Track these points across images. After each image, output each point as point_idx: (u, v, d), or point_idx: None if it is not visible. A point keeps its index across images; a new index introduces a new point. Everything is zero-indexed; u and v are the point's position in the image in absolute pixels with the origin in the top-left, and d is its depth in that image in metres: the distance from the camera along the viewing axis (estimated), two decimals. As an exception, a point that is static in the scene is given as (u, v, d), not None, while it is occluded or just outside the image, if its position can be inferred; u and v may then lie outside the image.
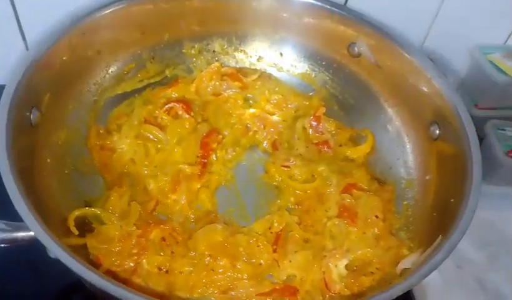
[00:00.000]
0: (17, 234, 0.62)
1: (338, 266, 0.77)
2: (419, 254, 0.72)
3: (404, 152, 0.92)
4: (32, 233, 0.61)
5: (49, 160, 0.80)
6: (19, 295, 0.77)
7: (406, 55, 0.90)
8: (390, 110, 0.96)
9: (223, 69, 1.03)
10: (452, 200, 0.73)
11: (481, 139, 0.98)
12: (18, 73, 0.74)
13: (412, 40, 1.04)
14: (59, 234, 0.71)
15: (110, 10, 0.89)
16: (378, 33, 0.93)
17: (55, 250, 0.58)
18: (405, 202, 0.87)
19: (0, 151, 0.65)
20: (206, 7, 0.99)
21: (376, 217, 0.83)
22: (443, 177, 0.82)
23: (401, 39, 0.91)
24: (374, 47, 0.95)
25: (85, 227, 0.78)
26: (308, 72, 1.05)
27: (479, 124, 0.97)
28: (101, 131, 0.90)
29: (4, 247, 0.63)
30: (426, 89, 0.87)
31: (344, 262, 0.78)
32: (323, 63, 1.03)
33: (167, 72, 1.02)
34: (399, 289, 0.58)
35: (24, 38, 1.00)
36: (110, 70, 0.95)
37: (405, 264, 0.73)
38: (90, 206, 0.81)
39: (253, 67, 1.07)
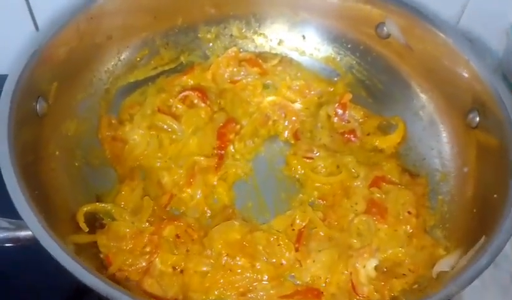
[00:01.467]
0: (19, 233, 0.58)
1: (366, 267, 0.71)
2: (458, 255, 0.65)
3: (439, 141, 0.85)
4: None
5: (57, 153, 0.76)
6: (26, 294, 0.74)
7: (441, 35, 0.82)
8: (423, 96, 0.88)
9: (241, 54, 0.98)
10: (495, 195, 0.65)
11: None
12: (22, 61, 0.70)
13: (446, 19, 0.95)
14: (67, 231, 0.69)
15: (120, -7, 0.84)
16: (409, 12, 0.85)
17: (55, 251, 0.54)
18: (440, 197, 0.80)
19: (1, 145, 0.60)
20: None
21: (409, 213, 0.76)
22: (483, 170, 0.74)
23: (434, 18, 0.83)
24: (404, 28, 0.87)
25: (97, 222, 0.75)
26: (332, 55, 0.98)
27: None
28: (113, 121, 0.86)
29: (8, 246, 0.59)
30: (463, 73, 0.79)
31: (373, 262, 0.72)
32: (349, 46, 0.96)
33: (182, 59, 0.97)
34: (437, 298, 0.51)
35: (35, 23, 0.96)
36: (121, 57, 0.90)
37: (442, 266, 0.66)
38: (101, 200, 0.77)
39: (273, 51, 1.01)
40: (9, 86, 0.66)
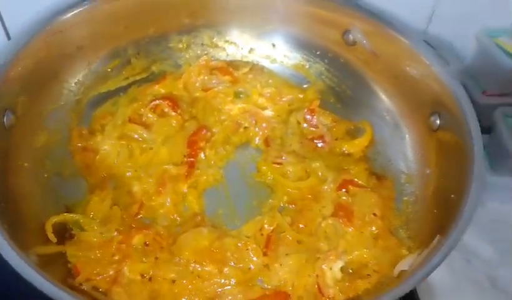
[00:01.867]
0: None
1: (332, 269, 0.72)
2: (417, 255, 0.66)
3: (403, 144, 0.87)
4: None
5: (26, 164, 0.77)
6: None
7: (404, 40, 0.84)
8: (388, 101, 0.90)
9: (212, 63, 0.99)
10: (453, 196, 0.67)
11: (490, 127, 0.92)
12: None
13: (412, 25, 0.98)
14: (36, 241, 0.69)
15: (91, 3, 0.85)
16: (373, 19, 0.88)
17: (16, 263, 0.54)
18: (405, 198, 0.82)
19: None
20: (192, -2, 0.94)
21: (374, 215, 0.78)
22: (443, 171, 0.76)
23: (397, 24, 0.86)
24: (369, 34, 0.89)
25: (66, 233, 0.75)
26: (302, 62, 1.00)
27: (488, 111, 0.92)
28: (84, 132, 0.87)
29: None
30: (425, 77, 0.81)
31: (340, 264, 0.73)
32: (318, 53, 0.98)
33: (154, 68, 0.98)
34: (390, 296, 0.53)
35: (7, 33, 0.96)
36: (92, 68, 0.91)
37: (403, 265, 0.68)
38: (71, 211, 0.77)
39: (244, 59, 1.02)
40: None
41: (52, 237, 0.71)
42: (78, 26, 0.85)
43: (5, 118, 0.72)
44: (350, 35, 0.91)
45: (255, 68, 1.00)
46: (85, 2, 0.85)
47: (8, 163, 0.72)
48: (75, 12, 0.84)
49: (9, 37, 0.93)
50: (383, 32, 0.87)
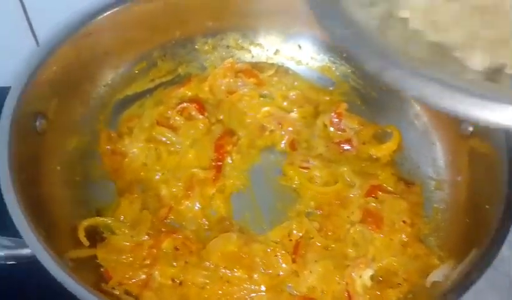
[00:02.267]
0: (21, 250, 0.60)
1: (362, 277, 0.72)
2: (451, 266, 0.66)
3: (433, 150, 0.86)
4: (32, 250, 0.58)
5: (58, 168, 0.78)
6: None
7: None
8: (417, 104, 0.89)
9: (237, 65, 0.98)
10: (487, 206, 0.66)
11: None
12: (21, 80, 0.71)
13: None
14: (67, 245, 0.70)
15: (118, 8, 0.85)
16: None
17: (53, 269, 0.55)
18: (435, 205, 0.81)
19: (1, 165, 0.62)
20: (219, 1, 0.94)
21: (404, 222, 0.77)
22: (476, 179, 0.75)
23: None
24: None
25: (97, 236, 0.76)
26: (328, 64, 0.99)
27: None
28: (112, 135, 0.87)
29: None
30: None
31: (369, 272, 0.72)
32: (344, 55, 0.97)
33: (180, 70, 0.98)
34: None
35: (35, 37, 0.97)
36: (120, 71, 0.92)
37: (436, 276, 0.67)
38: (101, 214, 0.78)
39: (270, 61, 1.01)
40: (8, 107, 0.67)
41: (85, 241, 0.73)
42: (106, 30, 0.86)
43: (37, 123, 0.73)
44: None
45: (280, 70, 1.00)
46: (113, 7, 0.85)
47: (41, 168, 0.73)
48: (103, 16, 0.84)
49: (38, 43, 0.95)
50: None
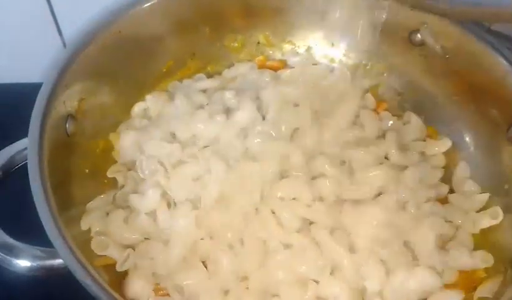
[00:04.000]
0: (53, 261, 0.58)
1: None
2: (500, 281, 0.62)
3: (474, 156, 0.81)
4: (65, 260, 0.56)
5: (87, 171, 0.76)
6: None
7: (478, 42, 0.78)
8: (457, 108, 0.84)
9: (267, 63, 0.95)
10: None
11: None
12: (51, 79, 0.69)
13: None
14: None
15: (146, 5, 0.82)
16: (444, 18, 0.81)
17: (87, 282, 0.53)
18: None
19: (32, 169, 0.60)
20: (249, -4, 0.90)
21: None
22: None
23: (471, 24, 0.79)
24: (439, 35, 0.83)
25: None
26: (363, 62, 0.95)
27: None
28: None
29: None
30: (503, 84, 0.75)
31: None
32: (380, 52, 0.92)
33: (209, 69, 0.95)
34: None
35: (60, 34, 0.96)
36: (147, 70, 0.89)
37: (484, 291, 0.63)
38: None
39: (301, 58, 0.97)
40: (38, 109, 0.65)
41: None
42: (133, 27, 0.83)
43: (67, 125, 0.71)
44: (418, 35, 0.86)
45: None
46: (141, 4, 0.82)
47: (71, 171, 0.71)
48: (129, 13, 0.81)
49: (64, 43, 0.93)
50: (454, 32, 0.81)
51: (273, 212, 0.67)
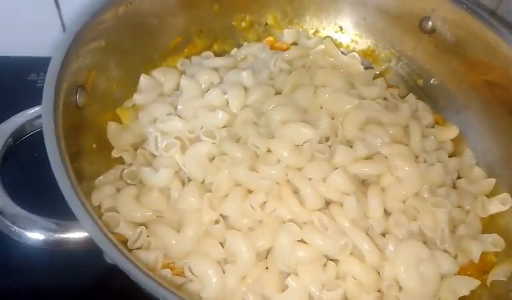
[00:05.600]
0: (69, 235, 0.55)
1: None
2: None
3: (483, 141, 0.82)
4: (86, 234, 0.54)
5: (94, 146, 0.73)
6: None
7: (489, 30, 0.78)
8: (466, 96, 0.85)
9: (276, 44, 0.94)
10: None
11: None
12: (61, 53, 0.65)
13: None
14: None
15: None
16: (456, 5, 0.81)
17: (112, 252, 0.51)
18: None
19: (48, 137, 0.57)
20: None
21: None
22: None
23: (482, 12, 0.80)
24: (451, 22, 0.83)
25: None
26: (371, 48, 0.95)
27: None
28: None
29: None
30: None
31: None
32: (389, 39, 0.93)
33: (215, 47, 0.93)
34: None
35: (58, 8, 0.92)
36: (155, 46, 0.86)
37: (497, 274, 0.64)
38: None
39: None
40: (49, 80, 0.61)
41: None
42: (144, 2, 0.80)
43: (77, 96, 0.68)
44: (429, 22, 0.86)
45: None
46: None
47: (80, 145, 0.68)
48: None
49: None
50: (465, 20, 0.81)
51: (296, 192, 0.66)
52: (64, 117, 0.62)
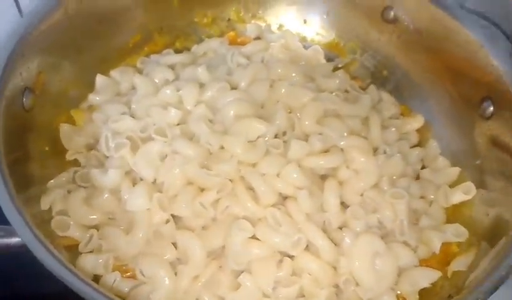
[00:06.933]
0: (10, 239, 0.53)
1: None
2: (474, 254, 0.62)
3: (447, 131, 0.81)
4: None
5: (47, 148, 0.71)
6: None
7: (451, 18, 0.77)
8: (431, 85, 0.84)
9: (238, 39, 0.93)
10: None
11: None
12: (6, 51, 0.64)
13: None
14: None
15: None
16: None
17: (46, 259, 0.50)
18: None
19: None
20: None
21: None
22: (495, 164, 0.70)
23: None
24: (412, 11, 0.82)
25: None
26: (336, 40, 0.93)
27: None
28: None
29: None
30: (475, 58, 0.74)
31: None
32: (353, 30, 0.91)
33: (177, 44, 0.92)
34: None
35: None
36: (112, 44, 0.84)
37: (458, 265, 0.63)
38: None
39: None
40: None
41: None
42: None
43: (24, 98, 0.66)
44: (391, 12, 0.85)
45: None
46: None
47: (29, 148, 0.67)
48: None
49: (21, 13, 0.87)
50: (427, 8, 0.80)
51: (251, 189, 0.64)
52: (5, 120, 0.61)
